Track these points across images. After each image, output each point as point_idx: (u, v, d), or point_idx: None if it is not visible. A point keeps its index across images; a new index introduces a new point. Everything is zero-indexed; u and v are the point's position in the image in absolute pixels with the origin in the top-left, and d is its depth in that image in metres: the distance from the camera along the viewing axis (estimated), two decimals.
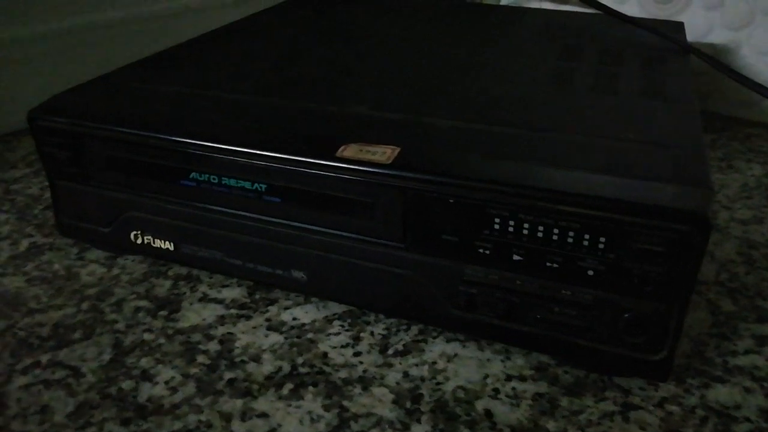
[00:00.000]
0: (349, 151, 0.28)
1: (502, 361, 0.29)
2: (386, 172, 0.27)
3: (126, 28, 0.59)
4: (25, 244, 0.39)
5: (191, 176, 0.31)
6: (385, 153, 0.27)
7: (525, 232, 0.26)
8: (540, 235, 0.25)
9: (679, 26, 0.47)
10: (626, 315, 0.25)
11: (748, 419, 0.25)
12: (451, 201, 0.26)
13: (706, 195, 0.24)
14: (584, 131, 0.29)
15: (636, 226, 0.24)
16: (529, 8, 0.54)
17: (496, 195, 0.25)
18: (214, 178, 0.31)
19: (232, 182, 0.30)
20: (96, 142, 0.33)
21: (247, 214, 0.31)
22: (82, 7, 0.56)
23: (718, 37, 0.51)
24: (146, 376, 0.28)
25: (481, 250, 0.27)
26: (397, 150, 0.28)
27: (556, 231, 0.25)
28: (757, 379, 0.27)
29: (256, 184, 0.30)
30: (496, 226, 0.26)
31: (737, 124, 0.52)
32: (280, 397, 0.27)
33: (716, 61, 0.42)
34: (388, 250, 0.29)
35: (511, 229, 0.26)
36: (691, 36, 0.52)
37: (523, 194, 0.25)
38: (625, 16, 0.47)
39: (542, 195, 0.25)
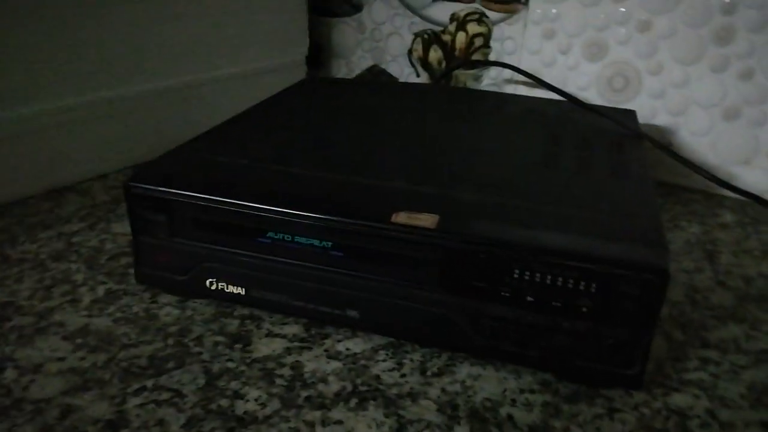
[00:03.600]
0: (401, 217, 0.37)
1: (515, 378, 0.37)
2: (433, 234, 0.36)
3: (156, 99, 0.67)
4: (101, 290, 0.45)
5: (268, 234, 0.39)
6: (428, 219, 0.37)
7: (536, 279, 0.35)
8: (548, 282, 0.35)
9: (632, 114, 0.59)
10: (610, 341, 0.35)
11: (698, 416, 0.35)
12: (482, 256, 0.35)
13: (664, 253, 0.34)
14: (572, 204, 0.39)
15: (615, 276, 0.33)
16: (510, 94, 0.66)
17: (513, 253, 0.35)
18: (288, 237, 0.39)
19: (303, 240, 0.39)
20: (184, 206, 0.40)
21: (313, 265, 0.39)
22: (111, 83, 0.63)
23: (661, 120, 0.64)
24: (238, 395, 0.36)
25: (502, 293, 0.36)
26: (437, 218, 0.37)
27: (559, 279, 0.34)
28: (703, 389, 0.37)
29: (323, 242, 0.38)
30: (515, 275, 0.35)
31: (680, 191, 0.64)
32: (349, 409, 0.35)
33: (661, 145, 0.54)
34: (427, 294, 0.37)
35: (526, 277, 0.35)
36: (640, 119, 0.64)
37: (534, 252, 0.34)
38: (589, 105, 0.59)
39: (549, 252, 0.34)
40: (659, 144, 0.53)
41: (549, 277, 0.35)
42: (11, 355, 0.38)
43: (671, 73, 0.62)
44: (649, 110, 0.64)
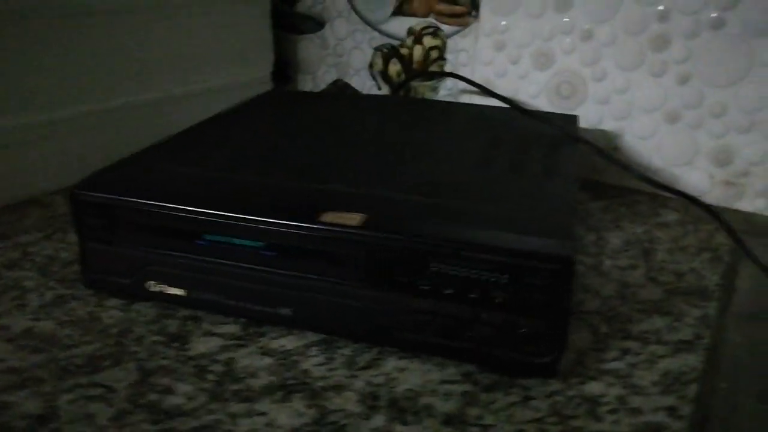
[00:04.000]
0: (328, 216, 0.38)
1: (439, 370, 0.39)
2: (356, 231, 0.37)
3: (125, 113, 0.69)
4: (50, 295, 0.47)
5: (204, 237, 0.41)
6: (354, 218, 0.38)
7: (453, 272, 0.36)
8: (462, 275, 0.36)
9: (574, 119, 0.61)
10: (523, 330, 0.36)
11: (608, 403, 0.36)
12: (401, 252, 0.37)
13: (572, 245, 0.35)
14: (495, 201, 0.41)
15: (525, 267, 0.35)
16: (461, 103, 0.68)
17: (432, 247, 0.36)
18: (222, 239, 0.40)
19: (237, 241, 0.40)
20: (127, 212, 0.42)
21: (247, 265, 0.41)
22: (71, 101, 0.65)
23: (607, 125, 0.66)
24: (168, 390, 0.37)
25: (423, 287, 0.37)
26: (364, 216, 0.38)
27: (474, 271, 0.36)
28: (618, 377, 0.38)
29: (255, 242, 0.40)
30: (433, 269, 0.37)
31: (626, 193, 0.66)
32: (274, 401, 0.36)
33: (596, 148, 0.56)
34: (355, 290, 0.39)
35: (442, 271, 0.36)
36: (586, 123, 0.66)
37: (450, 246, 0.36)
38: (530, 110, 0.61)
39: (464, 246, 0.36)
40: (596, 147, 0.55)
41: (464, 270, 0.36)
42: None
43: (614, 80, 0.64)
44: (595, 116, 0.66)
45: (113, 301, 0.46)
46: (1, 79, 0.58)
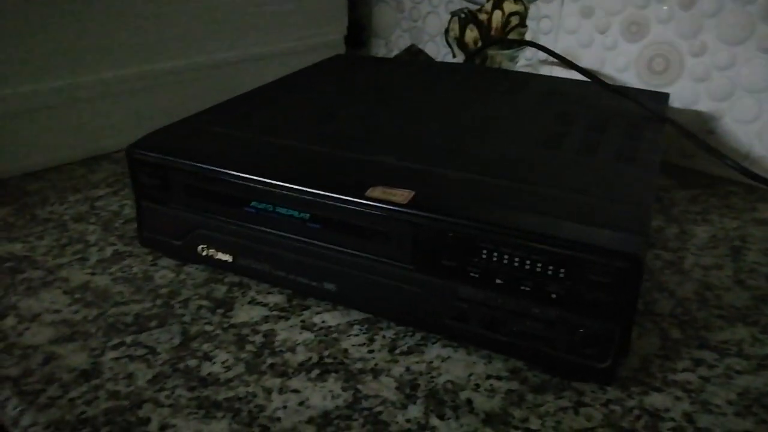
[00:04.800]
0: (376, 192, 0.36)
1: (485, 364, 0.36)
2: (402, 210, 0.35)
3: (186, 75, 0.69)
4: (109, 251, 0.48)
5: (252, 204, 0.40)
6: (402, 195, 0.36)
7: (505, 261, 0.33)
8: (516, 264, 0.33)
9: (664, 97, 0.55)
10: (581, 330, 0.33)
11: (672, 419, 0.32)
12: (451, 235, 0.34)
13: (643, 241, 0.31)
14: (561, 186, 0.37)
15: (588, 262, 0.31)
16: (537, 74, 0.63)
17: (483, 232, 0.33)
18: (270, 207, 0.39)
19: (283, 211, 0.39)
20: (178, 174, 0.42)
21: (293, 236, 0.39)
22: (152, 57, 0.66)
23: (704, 105, 0.59)
24: (207, 357, 0.37)
25: (471, 274, 0.35)
26: (413, 194, 0.36)
27: (528, 262, 0.33)
28: (687, 391, 0.34)
29: (301, 213, 0.38)
30: (484, 256, 0.34)
31: (720, 182, 0.59)
32: (309, 379, 0.35)
33: (684, 129, 0.50)
34: (400, 271, 0.37)
35: (494, 258, 0.33)
36: (680, 103, 0.60)
37: (504, 232, 0.33)
38: (613, 86, 0.55)
39: (519, 234, 0.32)
40: (685, 130, 0.49)
41: (517, 259, 0.33)
42: (15, 304, 0.41)
43: (715, 54, 0.57)
44: (690, 95, 0.59)
45: (166, 261, 0.46)
46: (76, 37, 0.59)
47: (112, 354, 0.37)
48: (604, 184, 0.37)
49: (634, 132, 0.46)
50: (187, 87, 0.69)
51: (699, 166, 0.61)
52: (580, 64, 0.62)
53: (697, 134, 0.51)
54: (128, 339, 0.38)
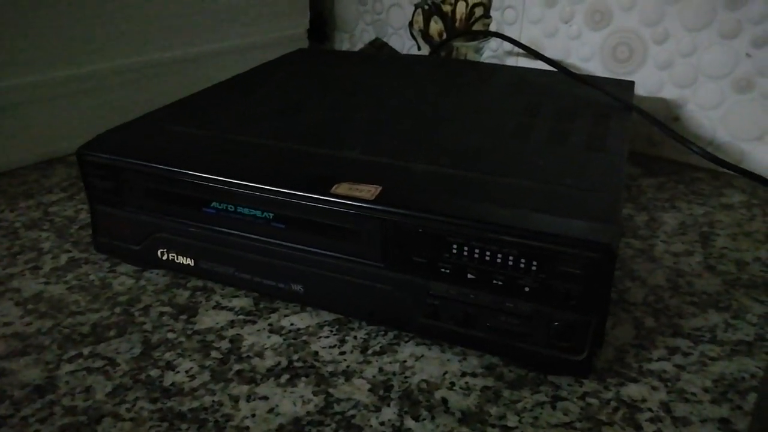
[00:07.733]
0: (341, 188, 0.35)
1: (460, 361, 0.35)
2: (369, 206, 0.34)
3: (144, 72, 0.67)
4: (64, 258, 0.45)
5: (212, 205, 0.38)
6: (369, 191, 0.35)
7: (476, 255, 0.32)
8: (488, 258, 0.32)
9: (630, 85, 0.55)
10: (555, 323, 0.32)
11: (650, 410, 0.32)
12: (420, 230, 0.33)
13: (615, 231, 0.31)
14: (531, 177, 0.36)
15: (559, 253, 0.31)
16: (503, 65, 0.62)
17: (453, 227, 0.32)
18: (231, 207, 0.38)
19: (246, 211, 0.37)
20: (132, 175, 0.40)
21: (257, 237, 0.38)
22: (107, 54, 0.63)
23: (668, 93, 0.59)
24: (170, 366, 0.35)
25: (443, 270, 0.34)
26: (380, 189, 0.35)
27: (499, 255, 0.32)
28: (663, 380, 0.34)
29: (265, 213, 0.37)
30: (454, 251, 0.33)
31: (686, 169, 0.59)
32: (279, 384, 0.34)
33: (652, 117, 0.50)
34: (370, 269, 0.35)
35: (465, 253, 0.33)
36: (644, 91, 0.60)
37: (474, 226, 0.32)
38: (580, 75, 0.55)
39: (489, 227, 0.32)
40: (651, 117, 0.49)
41: (488, 253, 0.32)
42: None
43: (679, 41, 0.57)
44: (655, 82, 0.59)
45: (125, 268, 0.44)
46: (28, 36, 0.56)
47: (67, 367, 0.35)
48: (573, 174, 0.37)
49: (601, 121, 0.46)
50: (145, 85, 0.66)
51: (665, 153, 0.61)
52: (545, 54, 0.62)
53: (663, 121, 0.52)
54: (85, 351, 0.36)
